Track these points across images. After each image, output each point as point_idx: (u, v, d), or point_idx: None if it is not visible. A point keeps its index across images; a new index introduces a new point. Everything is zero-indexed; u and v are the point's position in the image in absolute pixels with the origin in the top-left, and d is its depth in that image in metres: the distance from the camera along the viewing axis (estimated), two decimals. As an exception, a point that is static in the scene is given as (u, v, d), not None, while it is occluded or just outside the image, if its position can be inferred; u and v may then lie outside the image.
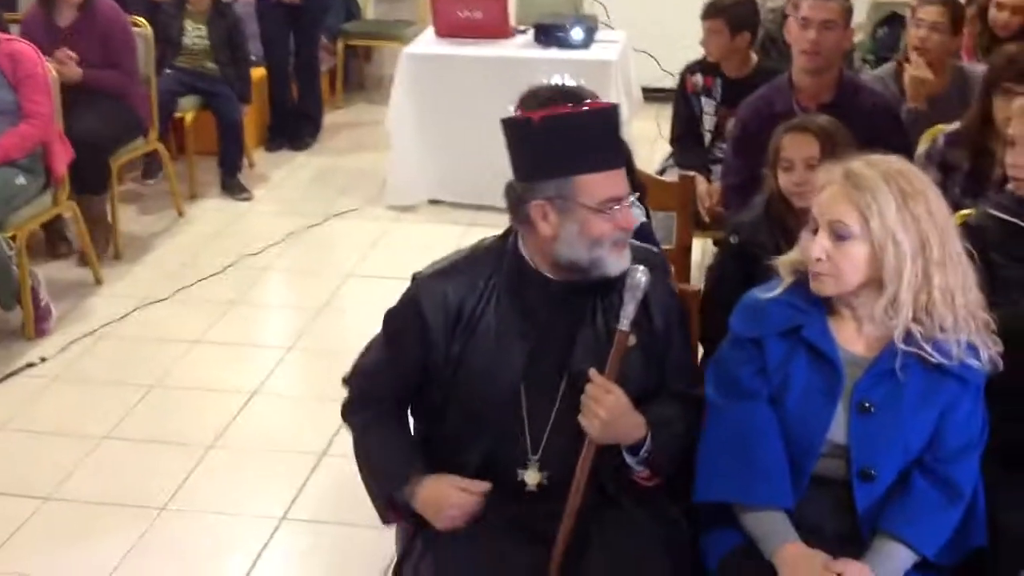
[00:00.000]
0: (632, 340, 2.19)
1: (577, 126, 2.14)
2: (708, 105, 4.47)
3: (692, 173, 3.53)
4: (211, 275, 5.05)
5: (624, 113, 5.55)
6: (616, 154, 2.18)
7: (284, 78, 6.60)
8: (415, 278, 2.32)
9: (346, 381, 2.44)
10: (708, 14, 4.39)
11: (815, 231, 2.16)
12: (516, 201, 2.19)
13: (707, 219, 4.17)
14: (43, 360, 4.30)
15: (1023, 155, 2.78)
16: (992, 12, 4.56)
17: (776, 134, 3.00)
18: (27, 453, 3.73)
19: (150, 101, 5.42)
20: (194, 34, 5.93)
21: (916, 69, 4.03)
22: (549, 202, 2.15)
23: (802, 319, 2.19)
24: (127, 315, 4.67)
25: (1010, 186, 2.96)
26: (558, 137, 2.14)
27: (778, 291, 2.24)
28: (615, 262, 2.18)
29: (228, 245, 5.38)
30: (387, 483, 2.28)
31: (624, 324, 2.16)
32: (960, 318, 2.13)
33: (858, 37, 5.13)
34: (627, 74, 5.79)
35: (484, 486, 2.22)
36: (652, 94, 6.40)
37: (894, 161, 2.18)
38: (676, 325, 2.31)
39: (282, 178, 6.33)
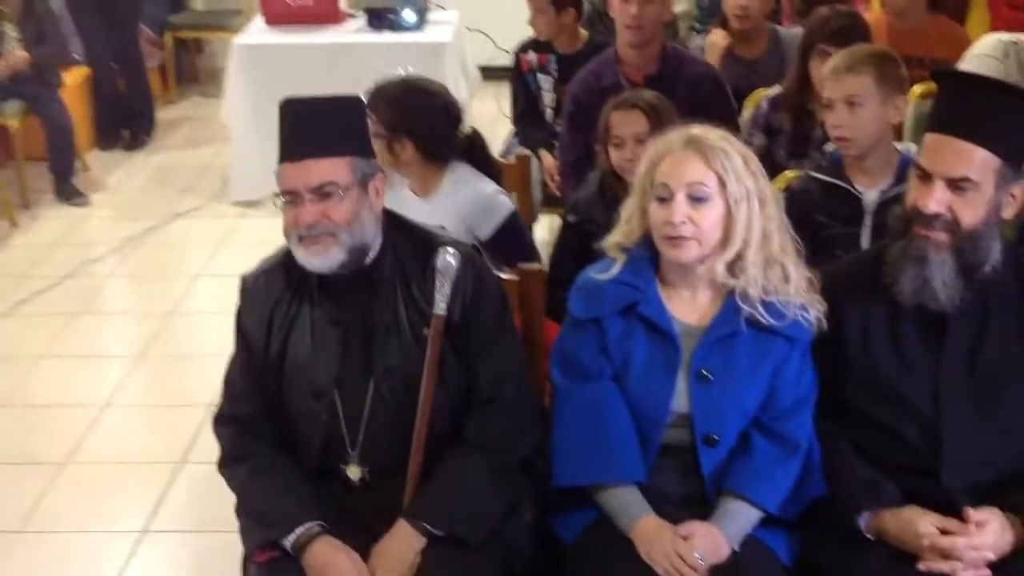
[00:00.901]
0: (427, 332, 2.23)
1: (284, 116, 2.20)
2: (545, 82, 4.50)
3: (527, 152, 3.57)
4: (50, 286, 4.91)
5: (463, 93, 5.59)
6: (297, 144, 2.17)
7: (106, 74, 6.40)
8: (241, 280, 2.33)
9: (216, 423, 2.36)
10: None
11: (662, 200, 2.19)
12: None
13: (558, 193, 4.22)
14: None
15: (840, 116, 2.90)
16: (810, -26, 4.71)
17: (605, 111, 3.06)
18: None
19: (-31, 111, 5.22)
20: (11, 36, 5.70)
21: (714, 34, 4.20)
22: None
23: (637, 296, 2.26)
24: (-37, 335, 4.52)
25: (828, 146, 3.10)
26: (280, 129, 2.20)
27: (614, 271, 2.29)
28: (302, 256, 2.20)
29: (66, 254, 5.23)
30: (276, 528, 2.20)
31: (440, 308, 2.20)
32: (792, 275, 2.24)
33: (683, 7, 5.24)
34: (463, 54, 5.81)
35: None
36: (490, 73, 6.41)
37: (715, 128, 2.27)
38: (481, 321, 2.27)
39: (119, 180, 6.16)
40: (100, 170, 6.26)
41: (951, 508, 2.16)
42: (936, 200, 2.11)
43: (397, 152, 3.04)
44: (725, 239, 2.21)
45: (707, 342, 2.23)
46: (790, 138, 3.53)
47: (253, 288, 2.31)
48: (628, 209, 2.30)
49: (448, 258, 2.22)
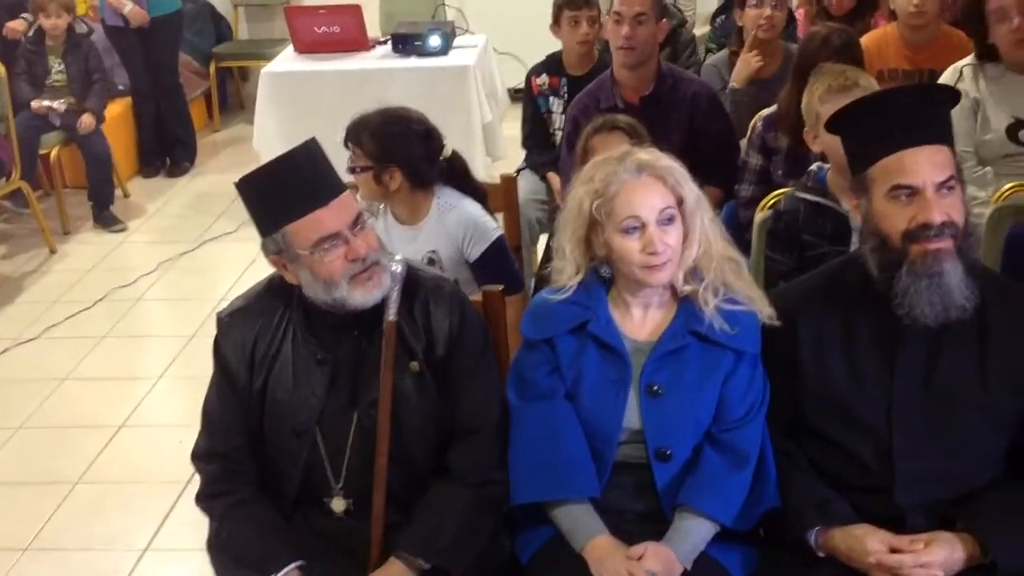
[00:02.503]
0: (415, 367, 2.25)
1: (267, 180, 2.18)
2: (556, 105, 4.48)
3: (513, 173, 3.59)
4: (81, 311, 5.03)
5: (488, 116, 5.64)
6: (314, 192, 2.15)
7: (147, 104, 6.56)
8: (218, 317, 2.35)
9: (195, 457, 2.39)
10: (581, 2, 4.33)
11: (629, 231, 2.20)
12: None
13: None
14: (-92, 411, 4.27)
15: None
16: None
17: (584, 136, 3.08)
18: None
19: (10, 141, 5.38)
20: (55, 70, 5.89)
21: (748, 54, 4.17)
22: (278, 256, 2.22)
23: (588, 315, 2.27)
24: (-5, 359, 4.66)
25: (813, 166, 3.08)
26: (256, 196, 2.20)
27: (568, 293, 2.30)
28: (360, 296, 2.19)
29: (100, 279, 5.36)
30: (257, 571, 2.21)
31: (390, 314, 2.22)
32: (744, 267, 2.29)
33: (703, 29, 5.25)
34: (490, 77, 5.85)
35: None
36: (521, 95, 6.45)
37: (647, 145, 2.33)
38: (466, 355, 2.29)
39: (158, 206, 6.31)
40: (141, 197, 6.42)
41: (905, 526, 2.13)
42: (938, 209, 2.09)
43: (386, 182, 3.07)
44: (684, 250, 2.24)
45: (656, 357, 2.24)
46: (786, 157, 3.51)
47: (231, 325, 2.31)
48: (568, 243, 2.29)
49: (395, 267, 2.24)
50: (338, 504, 2.30)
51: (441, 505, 2.25)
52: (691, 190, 2.25)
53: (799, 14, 4.86)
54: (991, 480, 2.18)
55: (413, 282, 2.28)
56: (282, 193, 2.16)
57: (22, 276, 5.45)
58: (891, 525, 2.13)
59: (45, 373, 4.51)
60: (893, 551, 2.09)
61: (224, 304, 2.40)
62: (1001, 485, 2.18)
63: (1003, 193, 3.12)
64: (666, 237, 2.20)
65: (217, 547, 2.31)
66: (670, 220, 2.21)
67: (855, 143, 2.21)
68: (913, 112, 2.14)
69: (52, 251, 5.69)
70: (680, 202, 2.23)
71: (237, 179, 2.22)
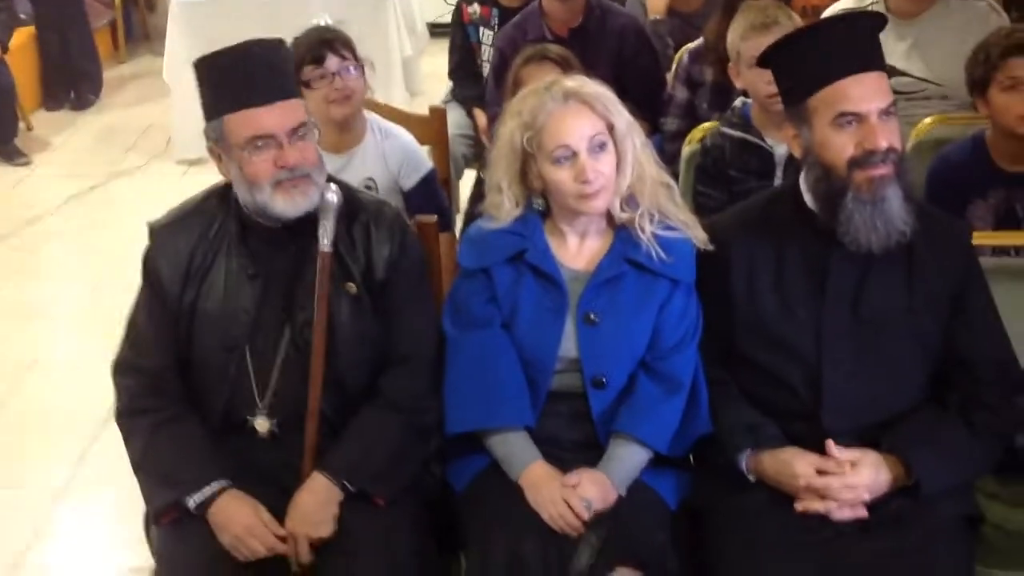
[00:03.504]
0: (352, 288, 2.22)
1: (225, 66, 2.14)
2: (486, 36, 4.36)
3: (441, 105, 3.54)
4: (-14, 246, 4.89)
5: (408, 50, 5.55)
6: (259, 88, 2.12)
7: (51, 34, 6.35)
8: (150, 228, 2.28)
9: (117, 371, 2.31)
10: None
11: (561, 161, 2.19)
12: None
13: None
14: None
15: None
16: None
17: (514, 68, 3.05)
18: None
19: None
20: (-46, -4, 5.67)
21: None
22: (215, 144, 2.18)
23: (525, 244, 2.26)
24: (-102, 297, 4.50)
25: (737, 101, 3.09)
26: (208, 78, 2.16)
27: (505, 223, 2.28)
28: (282, 203, 2.15)
29: (5, 213, 5.20)
30: (180, 487, 2.17)
31: (324, 245, 2.18)
32: (677, 194, 2.29)
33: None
34: (408, 9, 5.76)
35: (279, 531, 2.15)
36: (441, 29, 6.36)
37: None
38: (405, 281, 2.27)
39: (63, 140, 6.13)
40: (45, 130, 6.22)
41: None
42: (883, 135, 2.10)
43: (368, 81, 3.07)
44: (618, 176, 2.23)
45: (592, 285, 2.24)
46: (711, 90, 3.51)
47: (166, 236, 2.26)
48: (504, 179, 2.26)
49: (330, 196, 2.20)
50: (262, 424, 2.25)
51: (371, 430, 2.23)
52: (621, 115, 2.24)
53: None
54: (916, 406, 2.23)
55: (354, 205, 2.25)
56: (229, 81, 2.13)
57: (-78, 211, 5.27)
58: (820, 450, 2.16)
59: (-48, 311, 4.37)
60: (820, 473, 2.13)
61: (141, 239, 2.32)
62: (924, 409, 2.23)
63: (923, 127, 3.17)
64: (598, 165, 2.19)
65: (143, 468, 2.25)
66: (601, 147, 2.20)
67: (792, 75, 2.20)
68: (849, 40, 2.16)
69: (-46, 186, 5.51)
70: (611, 128, 2.22)
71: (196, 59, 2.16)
